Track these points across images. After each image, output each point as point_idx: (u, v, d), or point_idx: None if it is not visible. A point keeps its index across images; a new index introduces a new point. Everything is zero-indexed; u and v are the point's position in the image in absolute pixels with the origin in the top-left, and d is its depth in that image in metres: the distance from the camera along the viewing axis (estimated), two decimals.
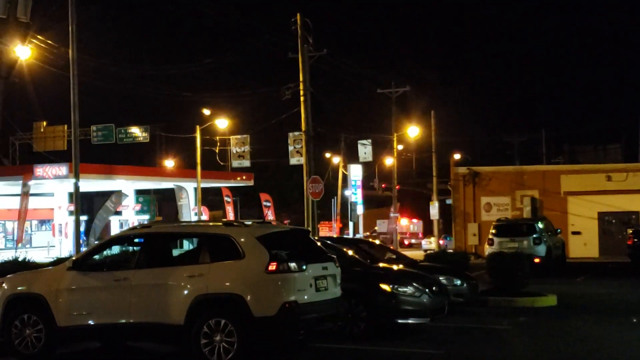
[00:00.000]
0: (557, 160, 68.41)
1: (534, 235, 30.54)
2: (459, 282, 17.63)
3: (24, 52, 28.18)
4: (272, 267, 10.97)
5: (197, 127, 49.72)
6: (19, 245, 42.94)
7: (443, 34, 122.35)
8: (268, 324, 10.87)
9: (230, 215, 56.50)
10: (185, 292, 11.24)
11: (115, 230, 51.05)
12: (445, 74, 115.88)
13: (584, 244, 42.61)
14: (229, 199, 57.44)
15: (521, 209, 42.90)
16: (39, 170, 43.64)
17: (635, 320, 16.21)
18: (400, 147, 60.23)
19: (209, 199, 65.58)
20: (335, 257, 12.37)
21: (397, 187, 59.98)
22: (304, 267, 11.22)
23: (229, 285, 11.13)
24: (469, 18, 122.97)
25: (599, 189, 42.36)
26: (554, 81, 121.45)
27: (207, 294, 11.15)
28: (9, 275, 13.09)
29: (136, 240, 12.61)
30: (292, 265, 11.08)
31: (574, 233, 42.68)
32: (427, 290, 14.30)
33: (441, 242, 53.11)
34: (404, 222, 65.56)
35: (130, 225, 51.79)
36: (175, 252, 13.13)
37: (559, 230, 34.35)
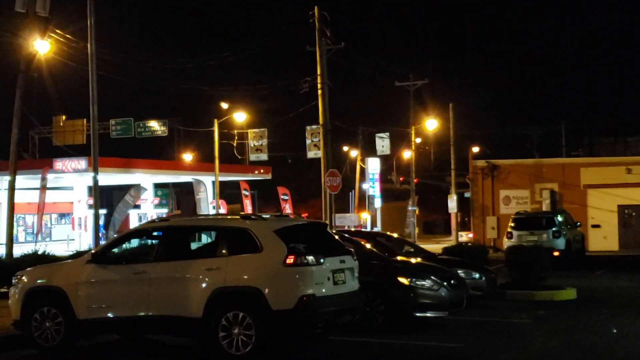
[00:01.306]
0: (576, 152, 67.91)
1: (553, 229, 30.39)
2: (477, 276, 17.56)
3: (42, 47, 28.29)
4: (290, 260, 10.98)
5: (215, 120, 49.84)
6: (38, 238, 43.26)
7: (462, 25, 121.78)
8: (286, 317, 10.88)
9: (248, 209, 56.63)
10: (204, 285, 11.27)
11: (134, 223, 51.33)
12: (464, 67, 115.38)
13: (603, 237, 42.34)
14: (247, 193, 57.55)
15: (540, 202, 42.67)
16: (59, 164, 43.93)
17: None
18: (418, 140, 60.07)
19: (227, 192, 65.72)
20: (352, 250, 12.37)
21: (415, 180, 59.84)
22: (322, 260, 11.22)
23: (247, 279, 11.16)
24: (489, 9, 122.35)
25: (618, 181, 42.06)
26: (574, 73, 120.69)
27: (225, 287, 11.17)
28: (28, 269, 13.19)
29: (155, 233, 12.65)
30: (310, 258, 11.08)
31: (594, 226, 42.41)
32: (445, 283, 14.27)
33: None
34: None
35: (149, 219, 52.08)
36: (194, 245, 13.16)
37: (578, 223, 34.15)
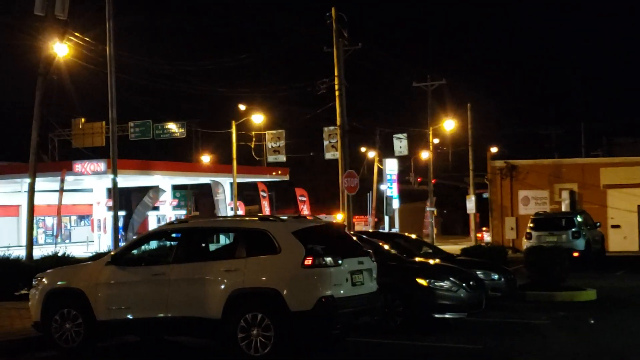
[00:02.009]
0: (596, 152, 67.46)
1: (573, 229, 30.23)
2: (496, 277, 17.49)
3: (61, 50, 28.47)
4: (308, 261, 10.98)
5: (233, 122, 49.96)
6: (58, 240, 43.53)
7: (480, 25, 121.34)
8: (304, 318, 10.88)
9: (266, 210, 56.72)
10: (222, 286, 11.29)
11: (152, 225, 51.56)
12: (482, 67, 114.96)
13: (623, 238, 42.02)
14: (264, 194, 57.67)
15: (560, 203, 42.43)
16: (78, 166, 44.22)
17: None
18: (436, 140, 59.90)
19: (245, 193, 65.85)
20: (371, 251, 12.36)
21: (433, 181, 59.67)
22: (340, 261, 11.21)
23: (265, 280, 11.17)
24: (507, 9, 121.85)
25: (639, 181, 41.73)
26: (594, 72, 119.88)
27: (243, 288, 11.19)
28: (48, 270, 13.27)
29: (173, 235, 12.69)
30: (328, 259, 11.08)
31: (614, 226, 42.10)
32: (464, 284, 14.21)
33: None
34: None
35: (168, 220, 52.28)
36: (212, 247, 13.19)
37: (598, 223, 33.91)
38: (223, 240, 16.16)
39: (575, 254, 28.04)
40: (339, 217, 57.97)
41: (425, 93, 58.80)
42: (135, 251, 12.67)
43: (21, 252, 27.20)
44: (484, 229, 49.74)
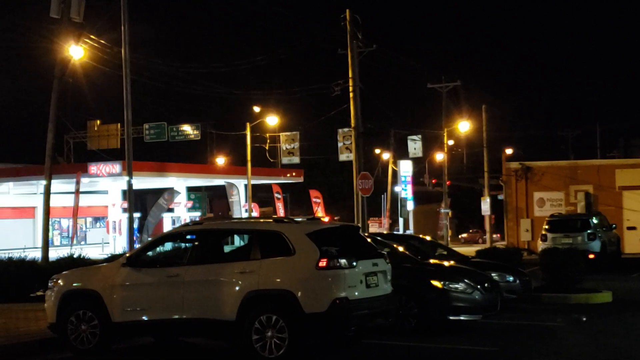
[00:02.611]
0: (611, 154, 67.17)
1: (588, 231, 30.10)
2: (511, 279, 17.43)
3: (77, 52, 28.61)
4: (323, 263, 10.98)
5: (247, 124, 50.06)
6: (74, 242, 43.75)
7: (495, 27, 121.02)
8: (319, 320, 10.88)
9: (281, 212, 56.75)
10: (237, 288, 11.31)
11: (167, 227, 51.75)
12: (497, 68, 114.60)
13: (639, 240, 41.77)
14: (279, 196, 57.70)
15: (575, 204, 42.25)
16: (93, 168, 44.43)
17: None
18: (450, 142, 59.76)
19: (259, 195, 65.93)
20: (385, 253, 12.35)
21: (447, 182, 59.52)
22: (354, 263, 11.21)
23: (279, 282, 11.18)
24: (523, 10, 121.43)
25: None
26: (609, 74, 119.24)
27: (258, 290, 11.20)
28: (64, 272, 13.32)
29: (188, 236, 12.72)
30: (343, 261, 11.07)
31: (629, 228, 41.85)
32: (479, 286, 14.17)
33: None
34: None
35: (182, 222, 52.46)
36: (227, 249, 13.21)
37: (614, 225, 33.74)
38: (237, 241, 16.20)
39: (591, 256, 27.91)
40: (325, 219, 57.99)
41: (440, 94, 58.73)
42: (150, 253, 12.71)
43: (37, 254, 27.36)
44: (495, 236, 49.64)
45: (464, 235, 69.25)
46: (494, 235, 50.64)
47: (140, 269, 12.20)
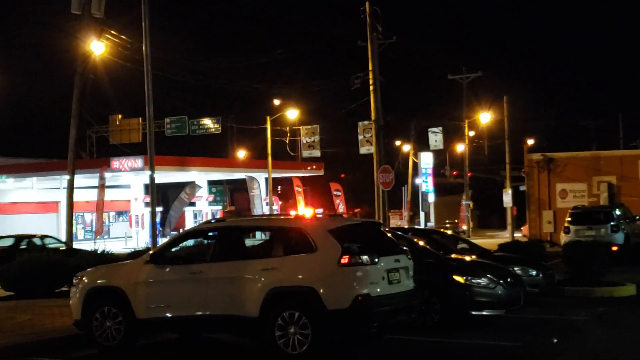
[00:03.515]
0: (635, 144, 66.55)
1: (612, 223, 29.88)
2: (534, 273, 17.37)
3: (98, 47, 28.80)
4: (345, 260, 10.99)
5: (268, 117, 50.12)
6: (98, 237, 44.09)
7: (516, 16, 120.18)
8: (341, 316, 10.90)
9: (301, 205, 56.82)
10: (260, 285, 11.35)
11: (189, 221, 51.98)
12: (518, 58, 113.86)
13: None
14: (299, 189, 57.78)
15: (598, 196, 41.91)
16: (116, 163, 44.69)
17: None
18: (471, 133, 59.52)
19: (280, 188, 66.02)
20: (407, 249, 12.33)
21: (469, 174, 59.30)
22: (376, 259, 11.21)
23: (302, 278, 11.21)
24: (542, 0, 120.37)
25: None
26: (632, 62, 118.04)
27: (281, 286, 11.24)
28: (89, 269, 13.44)
29: (211, 233, 12.78)
30: (365, 258, 11.08)
31: None
32: (501, 281, 14.13)
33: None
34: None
35: (204, 216, 52.68)
36: (249, 245, 13.24)
37: (637, 217, 33.42)
38: (259, 236, 16.24)
39: (614, 248, 27.70)
40: (318, 210, 57.94)
41: (461, 86, 58.47)
42: (173, 250, 12.79)
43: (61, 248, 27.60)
44: (522, 228, 49.22)
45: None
46: (522, 228, 50.32)
47: (163, 266, 12.27)
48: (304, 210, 52.16)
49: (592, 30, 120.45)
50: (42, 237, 30.31)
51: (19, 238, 30.18)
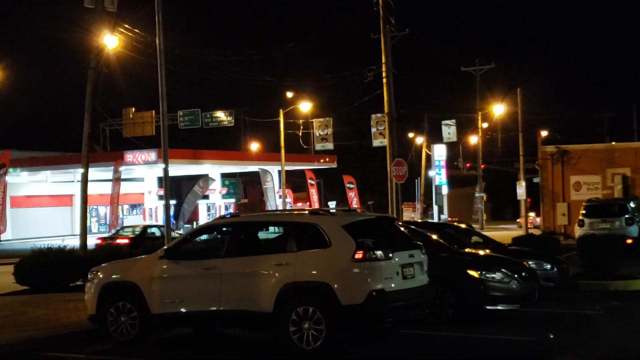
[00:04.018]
0: None
1: (626, 216, 29.75)
2: (548, 267, 17.30)
3: (111, 41, 28.81)
4: (359, 255, 10.98)
5: (281, 110, 50.11)
6: (112, 230, 44.25)
7: (528, 7, 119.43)
8: (355, 312, 10.89)
9: (314, 198, 56.82)
10: (274, 280, 11.35)
11: (203, 213, 52.10)
12: (531, 50, 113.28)
13: None
14: (312, 182, 57.78)
15: (612, 188, 41.70)
16: (129, 156, 44.86)
17: None
18: (485, 125, 59.32)
19: (293, 181, 66.05)
20: (421, 244, 12.30)
21: (482, 166, 59.14)
22: (391, 255, 11.19)
23: (316, 274, 11.20)
24: None
25: None
26: None
27: (295, 282, 11.23)
28: (103, 264, 13.48)
29: (224, 229, 12.79)
30: (379, 253, 11.06)
31: None
32: (516, 275, 14.07)
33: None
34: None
35: (217, 209, 52.77)
36: (263, 241, 13.24)
37: None
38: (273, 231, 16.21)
39: (629, 241, 27.54)
40: (331, 203, 57.64)
41: (474, 77, 58.25)
42: (187, 245, 12.79)
43: (75, 242, 27.75)
44: (530, 214, 48.99)
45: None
46: (537, 219, 50.10)
47: (177, 261, 12.30)
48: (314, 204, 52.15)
49: (605, 21, 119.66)
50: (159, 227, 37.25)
51: (144, 228, 37.32)
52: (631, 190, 40.88)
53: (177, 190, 54.03)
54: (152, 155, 43.94)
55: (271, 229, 15.37)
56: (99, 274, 12.88)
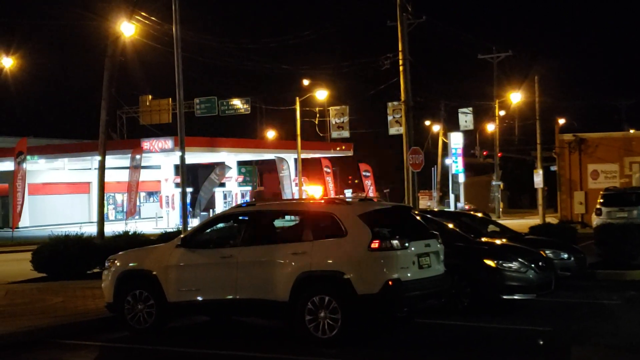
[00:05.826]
0: None
1: None
2: (565, 256, 17.21)
3: (128, 30, 28.83)
4: (375, 244, 10.97)
5: (297, 98, 50.06)
6: (129, 218, 44.47)
7: None
8: (371, 301, 10.90)
9: (330, 186, 56.83)
10: (290, 269, 11.37)
11: (219, 201, 52.23)
12: (549, 37, 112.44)
13: None
14: (328, 170, 57.77)
15: (630, 177, 41.43)
16: (146, 144, 44.99)
17: None
18: (502, 113, 59.00)
19: (309, 169, 66.01)
20: (437, 233, 12.26)
21: (499, 154, 58.86)
22: (407, 244, 11.18)
23: (332, 263, 11.21)
24: None
25: None
26: None
27: (311, 271, 11.25)
28: (120, 253, 13.55)
29: (241, 218, 12.81)
30: (395, 242, 11.05)
31: None
32: (532, 265, 14.02)
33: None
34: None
35: (234, 197, 52.88)
36: (279, 230, 13.25)
37: None
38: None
39: None
40: (347, 191, 57.51)
41: (491, 65, 57.91)
42: (204, 234, 12.83)
43: (92, 229, 27.91)
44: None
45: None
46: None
47: (194, 250, 12.34)
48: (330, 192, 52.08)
49: (624, 7, 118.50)
50: None
51: None
52: None
53: (193, 178, 54.21)
54: (168, 143, 44.04)
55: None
56: (116, 262, 12.94)
